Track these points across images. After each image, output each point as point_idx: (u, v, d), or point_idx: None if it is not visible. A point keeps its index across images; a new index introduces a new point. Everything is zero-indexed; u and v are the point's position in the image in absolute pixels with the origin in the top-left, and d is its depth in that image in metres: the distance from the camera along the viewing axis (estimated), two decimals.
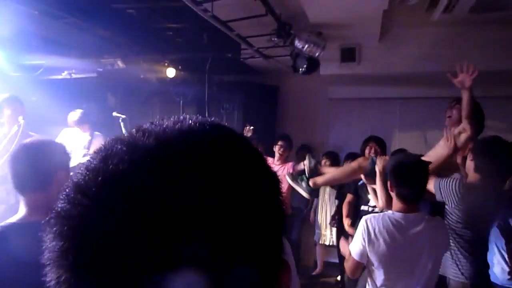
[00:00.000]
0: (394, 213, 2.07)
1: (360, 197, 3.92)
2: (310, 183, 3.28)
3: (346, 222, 4.05)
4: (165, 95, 5.58)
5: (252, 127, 4.66)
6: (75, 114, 4.22)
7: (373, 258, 2.01)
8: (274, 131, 5.60)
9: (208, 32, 4.31)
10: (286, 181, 4.40)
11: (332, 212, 4.93)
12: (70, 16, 3.49)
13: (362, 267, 2.10)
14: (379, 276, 2.02)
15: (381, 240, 1.99)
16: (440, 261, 2.15)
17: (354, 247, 2.06)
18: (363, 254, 2.03)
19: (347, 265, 2.13)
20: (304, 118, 5.75)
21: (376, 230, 2.00)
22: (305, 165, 3.48)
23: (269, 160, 4.62)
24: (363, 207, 3.86)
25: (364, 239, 2.01)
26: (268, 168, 0.44)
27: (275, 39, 4.08)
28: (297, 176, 3.63)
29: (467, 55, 4.44)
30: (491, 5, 3.50)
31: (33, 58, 4.53)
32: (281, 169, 4.60)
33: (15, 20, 3.75)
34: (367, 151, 3.84)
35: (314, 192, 4.02)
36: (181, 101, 5.39)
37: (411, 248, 2.02)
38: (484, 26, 4.23)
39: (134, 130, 0.41)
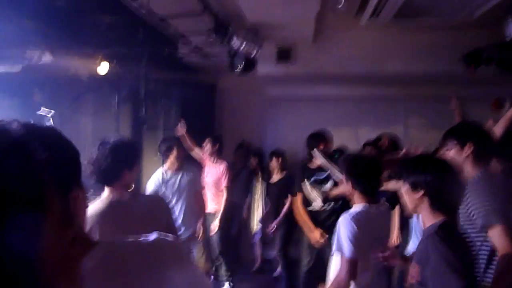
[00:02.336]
0: (364, 206, 2.19)
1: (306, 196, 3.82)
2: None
3: (316, 234, 3.67)
4: (98, 92, 5.36)
5: (183, 122, 4.68)
6: None
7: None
8: (213, 129, 5.61)
9: (144, 27, 4.22)
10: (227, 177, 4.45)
11: (261, 209, 5.07)
12: None
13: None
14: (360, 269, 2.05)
15: (365, 234, 2.06)
16: None
17: (347, 247, 2.02)
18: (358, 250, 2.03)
19: (344, 273, 2.01)
20: (241, 116, 5.83)
21: (362, 226, 2.06)
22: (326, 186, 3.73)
23: (205, 157, 4.65)
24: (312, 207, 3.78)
25: (354, 237, 2.02)
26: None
27: (213, 37, 4.10)
28: (318, 183, 3.77)
29: (392, 58, 4.80)
30: (413, 12, 3.80)
31: None
32: (217, 168, 4.61)
33: None
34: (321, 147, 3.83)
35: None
36: (116, 98, 5.20)
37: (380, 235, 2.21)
38: (407, 31, 4.58)
39: None
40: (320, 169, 3.70)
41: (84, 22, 3.91)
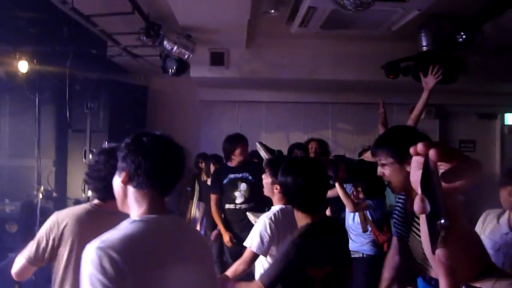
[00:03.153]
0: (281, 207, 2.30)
1: (224, 196, 3.93)
2: None
3: (227, 238, 3.84)
4: (17, 92, 4.97)
5: None
6: None
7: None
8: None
9: (69, 25, 4.00)
10: None
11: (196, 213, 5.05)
12: None
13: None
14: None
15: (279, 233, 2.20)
16: None
17: (255, 242, 2.17)
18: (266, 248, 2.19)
19: (244, 262, 2.18)
20: (175, 119, 5.74)
21: (280, 226, 2.20)
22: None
23: None
24: (229, 206, 3.91)
25: (268, 235, 2.17)
26: None
27: (144, 38, 4.01)
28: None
29: (321, 66, 5.02)
30: (338, 24, 4.02)
31: None
32: None
33: None
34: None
35: None
36: (37, 99, 4.86)
37: None
38: (334, 41, 4.82)
39: None
40: (238, 168, 3.87)
41: (1, 17, 3.62)
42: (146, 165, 1.24)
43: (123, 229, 1.20)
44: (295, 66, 4.96)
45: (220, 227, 3.96)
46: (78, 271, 1.71)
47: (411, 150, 0.50)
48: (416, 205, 0.47)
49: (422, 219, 0.51)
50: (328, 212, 3.68)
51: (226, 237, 3.87)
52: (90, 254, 1.10)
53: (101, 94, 5.13)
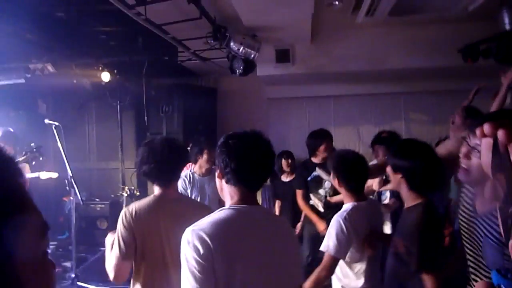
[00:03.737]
0: (353, 204, 2.24)
1: (308, 192, 3.85)
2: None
3: (322, 226, 3.62)
4: (101, 100, 5.44)
5: None
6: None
7: (356, 249, 2.16)
8: (216, 133, 5.67)
9: (143, 35, 4.28)
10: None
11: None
12: None
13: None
14: (358, 263, 2.20)
15: (356, 232, 2.15)
16: None
17: (332, 245, 2.10)
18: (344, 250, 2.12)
19: (325, 268, 2.10)
20: (244, 118, 5.87)
21: (356, 224, 2.14)
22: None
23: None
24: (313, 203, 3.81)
25: (345, 236, 2.10)
26: None
27: (211, 41, 4.16)
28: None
29: (390, 55, 4.82)
30: (408, 9, 3.84)
31: None
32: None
33: None
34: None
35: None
36: (119, 106, 5.28)
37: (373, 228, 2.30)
38: (403, 28, 4.61)
39: None
40: (323, 165, 3.70)
41: (84, 33, 3.99)
42: (232, 165, 1.39)
43: (214, 215, 1.39)
44: (362, 57, 4.82)
45: (313, 217, 3.78)
46: (151, 257, 1.85)
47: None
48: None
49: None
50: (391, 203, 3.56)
51: (322, 226, 3.64)
52: (186, 235, 1.31)
53: (174, 98, 5.41)
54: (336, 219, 2.15)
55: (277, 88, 5.89)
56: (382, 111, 5.91)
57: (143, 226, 1.86)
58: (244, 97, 6.02)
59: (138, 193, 4.75)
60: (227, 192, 1.45)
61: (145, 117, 5.24)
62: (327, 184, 3.72)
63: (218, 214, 1.39)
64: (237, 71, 4.45)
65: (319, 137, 3.82)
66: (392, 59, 4.82)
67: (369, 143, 4.71)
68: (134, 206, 1.91)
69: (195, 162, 3.91)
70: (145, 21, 3.31)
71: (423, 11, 3.92)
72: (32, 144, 4.07)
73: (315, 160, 3.84)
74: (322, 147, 3.73)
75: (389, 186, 3.23)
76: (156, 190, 1.98)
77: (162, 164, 1.92)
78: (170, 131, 5.35)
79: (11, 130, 3.96)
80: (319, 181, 3.76)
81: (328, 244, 2.10)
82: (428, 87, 5.59)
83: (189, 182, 3.87)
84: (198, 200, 3.71)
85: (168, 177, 1.98)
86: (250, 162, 1.41)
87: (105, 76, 4.52)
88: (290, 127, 6.01)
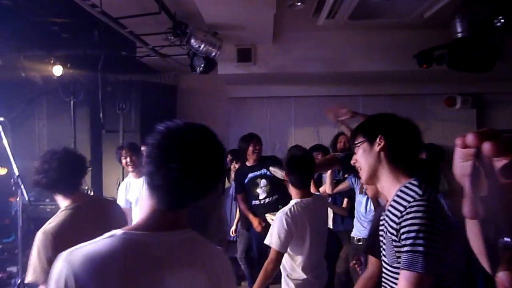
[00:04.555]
0: (296, 201, 2.42)
1: (248, 194, 4.17)
2: None
3: (256, 222, 4.07)
4: (53, 95, 5.15)
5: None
6: None
7: (296, 243, 2.35)
8: None
9: (99, 28, 4.09)
10: None
11: (233, 210, 5.04)
12: None
13: None
14: (300, 255, 2.39)
15: (301, 226, 2.36)
16: None
17: (275, 241, 2.30)
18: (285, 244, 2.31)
19: (271, 261, 2.29)
20: (204, 117, 5.74)
21: (297, 220, 2.34)
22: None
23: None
24: (255, 202, 4.13)
25: (285, 230, 2.29)
26: None
27: (171, 38, 4.05)
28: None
29: (349, 57, 4.91)
30: (367, 14, 3.91)
31: None
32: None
33: None
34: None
35: None
36: (72, 101, 5.03)
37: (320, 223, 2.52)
38: (363, 32, 4.70)
39: None
40: (255, 167, 4.14)
41: (33, 23, 3.75)
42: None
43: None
44: (323, 59, 4.87)
45: (248, 215, 4.14)
46: None
47: (458, 141, 0.42)
48: (466, 208, 0.39)
49: (472, 227, 0.43)
50: (345, 204, 4.00)
51: (255, 223, 4.05)
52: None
53: (132, 95, 5.23)
54: (279, 215, 2.34)
55: (238, 87, 5.84)
56: None
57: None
58: (204, 96, 5.93)
59: (92, 193, 4.55)
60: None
61: (101, 114, 5.03)
62: (262, 183, 4.10)
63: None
64: (198, 69, 4.36)
65: (246, 141, 4.16)
66: (351, 62, 4.91)
67: (327, 144, 4.79)
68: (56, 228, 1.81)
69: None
70: (100, 13, 3.15)
71: (382, 16, 4.01)
72: None
73: (248, 163, 4.19)
74: (250, 149, 4.09)
75: (340, 187, 3.70)
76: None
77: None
78: (127, 128, 5.17)
79: None
80: (254, 182, 4.13)
81: (271, 238, 2.30)
82: (385, 90, 5.75)
83: (126, 188, 3.89)
84: (135, 205, 3.73)
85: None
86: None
87: (57, 70, 4.27)
88: (251, 127, 5.96)
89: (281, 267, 2.41)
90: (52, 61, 4.25)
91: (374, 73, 5.07)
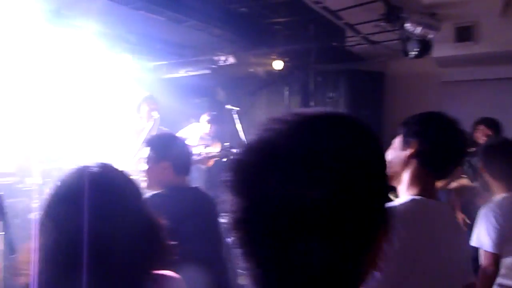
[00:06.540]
0: None
1: None
2: None
3: None
4: (272, 87, 5.81)
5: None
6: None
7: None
8: (382, 119, 5.49)
9: (314, 23, 4.39)
10: None
11: None
12: (191, 19, 3.84)
13: None
14: None
15: None
16: None
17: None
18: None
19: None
20: (414, 104, 5.50)
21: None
22: None
23: None
24: None
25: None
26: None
27: (383, 24, 4.00)
28: None
29: None
30: None
31: (156, 60, 5.08)
32: None
33: (143, 28, 4.25)
34: (478, 135, 3.63)
35: None
36: (287, 92, 5.57)
37: None
38: None
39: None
40: None
41: (262, 25, 4.30)
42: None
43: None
44: None
45: None
46: None
47: None
48: None
49: None
50: None
51: None
52: None
53: (339, 83, 5.43)
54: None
55: (454, 70, 5.34)
56: None
57: None
58: (414, 81, 5.65)
59: None
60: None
61: (311, 103, 5.40)
62: None
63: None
64: (411, 53, 4.20)
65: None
66: None
67: None
68: None
69: None
70: (322, 9, 3.38)
71: None
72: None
73: None
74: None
75: None
76: None
77: None
78: None
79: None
80: None
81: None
82: None
83: None
84: None
85: None
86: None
87: (278, 64, 4.81)
88: (466, 113, 5.38)
89: None
90: (274, 57, 4.80)
91: None
